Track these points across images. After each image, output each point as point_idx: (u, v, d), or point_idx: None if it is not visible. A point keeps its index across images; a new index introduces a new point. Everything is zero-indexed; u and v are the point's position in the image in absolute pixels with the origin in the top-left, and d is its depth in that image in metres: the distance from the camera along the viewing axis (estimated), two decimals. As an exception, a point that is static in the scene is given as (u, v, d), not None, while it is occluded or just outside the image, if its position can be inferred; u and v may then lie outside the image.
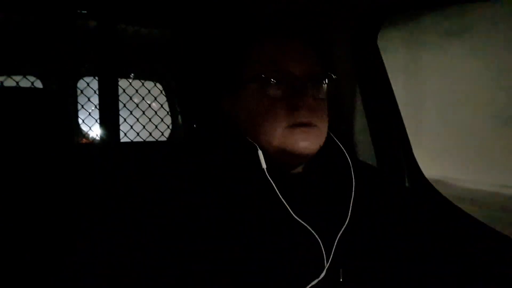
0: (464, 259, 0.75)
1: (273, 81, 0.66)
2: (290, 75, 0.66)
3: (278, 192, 0.64)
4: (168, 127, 1.76)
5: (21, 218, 0.94)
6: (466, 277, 0.72)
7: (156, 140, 1.67)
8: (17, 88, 1.26)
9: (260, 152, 0.66)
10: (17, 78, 1.42)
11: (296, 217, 0.63)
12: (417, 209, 0.77)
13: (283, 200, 0.63)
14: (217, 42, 0.99)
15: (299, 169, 0.72)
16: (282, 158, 0.67)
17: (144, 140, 1.64)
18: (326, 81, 0.71)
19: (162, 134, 1.72)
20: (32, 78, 1.46)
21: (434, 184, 0.97)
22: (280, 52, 0.68)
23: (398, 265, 0.68)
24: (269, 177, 0.64)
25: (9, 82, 1.40)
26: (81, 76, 1.56)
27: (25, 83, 1.44)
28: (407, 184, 1.03)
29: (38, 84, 1.48)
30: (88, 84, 1.56)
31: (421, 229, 0.74)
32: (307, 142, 0.65)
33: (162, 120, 1.74)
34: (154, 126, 1.71)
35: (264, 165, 0.65)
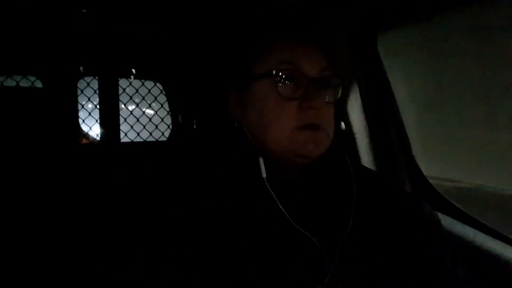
0: (467, 263, 0.74)
1: (286, 79, 0.64)
2: (304, 74, 0.65)
3: (277, 201, 0.63)
4: (168, 127, 1.76)
5: (21, 218, 0.94)
6: (468, 280, 0.71)
7: (157, 140, 1.67)
8: (17, 88, 1.26)
9: (261, 160, 0.65)
10: (17, 78, 1.42)
11: (296, 226, 0.62)
12: (417, 215, 0.76)
13: (282, 209, 0.62)
14: (227, 38, 0.98)
15: (300, 175, 0.70)
16: (287, 160, 0.66)
17: (145, 140, 1.64)
18: (335, 86, 0.69)
19: (163, 134, 1.72)
20: (32, 78, 1.46)
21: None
22: (294, 50, 0.67)
23: (400, 273, 0.67)
24: (268, 186, 0.63)
25: (9, 82, 1.40)
26: (81, 76, 1.56)
27: (25, 83, 1.43)
28: (407, 186, 1.03)
29: (38, 84, 1.47)
30: (88, 84, 1.56)
31: (422, 235, 0.74)
32: (315, 145, 0.64)
33: (162, 120, 1.74)
34: (155, 126, 1.70)
35: (264, 174, 0.64)
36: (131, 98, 1.64)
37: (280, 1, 0.85)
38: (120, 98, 1.45)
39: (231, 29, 0.99)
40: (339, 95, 0.69)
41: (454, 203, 0.96)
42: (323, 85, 0.66)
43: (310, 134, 0.64)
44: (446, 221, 0.91)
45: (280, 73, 0.65)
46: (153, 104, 1.72)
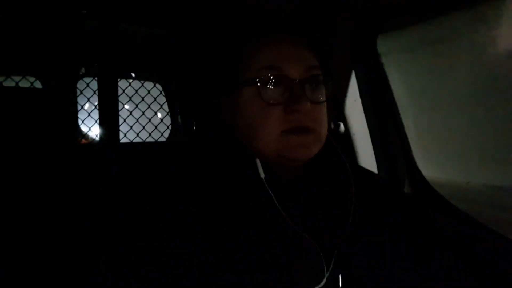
0: (467, 263, 0.74)
1: (269, 84, 0.64)
2: (287, 78, 0.65)
3: (276, 202, 0.62)
4: (168, 127, 1.76)
5: (20, 218, 0.94)
6: (468, 280, 0.72)
7: (156, 140, 1.67)
8: (17, 88, 1.26)
9: (258, 161, 0.65)
10: (17, 78, 1.42)
11: (294, 226, 0.62)
12: (417, 216, 0.76)
13: (281, 210, 0.62)
14: (214, 43, 0.99)
15: (298, 176, 0.70)
16: (279, 164, 0.66)
17: (144, 141, 1.64)
18: (326, 84, 0.68)
19: (162, 135, 1.72)
20: (31, 78, 1.46)
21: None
22: (277, 54, 0.66)
23: (399, 274, 0.67)
24: (267, 187, 0.63)
25: (9, 82, 1.39)
26: (80, 77, 1.56)
27: (24, 83, 1.43)
28: (407, 186, 1.03)
29: (38, 85, 1.47)
30: (87, 85, 1.56)
31: (421, 236, 0.74)
32: (304, 148, 0.64)
33: (161, 120, 1.74)
34: (154, 127, 1.71)
35: (262, 175, 0.64)
36: (130, 99, 1.64)
37: (277, 2, 0.85)
38: (120, 98, 1.45)
39: (219, 32, 0.99)
40: (330, 93, 0.69)
41: (453, 203, 0.97)
42: (310, 85, 0.65)
43: (297, 137, 0.63)
44: (445, 222, 0.91)
45: (263, 79, 0.64)
46: (153, 104, 1.72)
